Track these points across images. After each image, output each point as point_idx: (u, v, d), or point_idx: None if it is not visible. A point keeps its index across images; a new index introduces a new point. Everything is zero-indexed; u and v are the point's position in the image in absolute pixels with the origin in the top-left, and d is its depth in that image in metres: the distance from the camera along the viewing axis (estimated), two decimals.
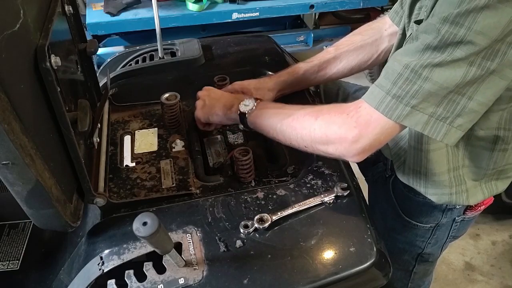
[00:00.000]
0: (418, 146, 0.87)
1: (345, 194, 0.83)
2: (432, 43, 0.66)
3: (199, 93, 1.00)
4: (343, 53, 1.08)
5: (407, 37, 0.88)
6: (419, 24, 0.77)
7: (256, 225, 0.77)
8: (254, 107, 0.88)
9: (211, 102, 0.96)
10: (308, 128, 0.78)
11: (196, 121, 1.01)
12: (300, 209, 0.80)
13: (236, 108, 0.90)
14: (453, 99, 0.67)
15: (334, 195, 0.82)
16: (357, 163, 1.22)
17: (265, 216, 0.78)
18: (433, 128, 0.69)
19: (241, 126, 0.98)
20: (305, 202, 0.81)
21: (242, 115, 0.89)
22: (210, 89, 1.01)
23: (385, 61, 1.05)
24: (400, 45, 0.95)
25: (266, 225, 0.77)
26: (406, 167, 0.94)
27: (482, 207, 0.98)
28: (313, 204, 0.81)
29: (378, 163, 1.10)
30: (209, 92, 0.99)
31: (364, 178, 1.21)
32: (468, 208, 0.98)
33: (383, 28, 1.06)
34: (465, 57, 0.63)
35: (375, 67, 2.62)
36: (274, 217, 0.78)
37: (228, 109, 0.93)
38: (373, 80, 2.68)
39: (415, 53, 0.68)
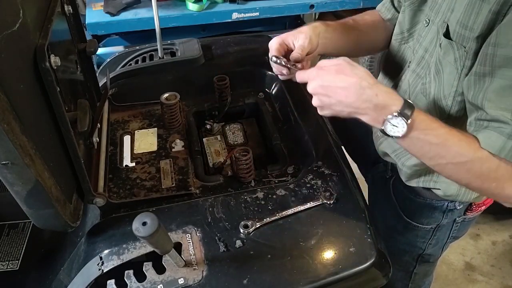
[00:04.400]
0: None
1: (331, 202, 0.82)
2: None
3: (310, 87, 0.75)
4: (361, 25, 1.01)
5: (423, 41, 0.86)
6: (448, 38, 0.75)
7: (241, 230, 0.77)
8: (405, 132, 0.69)
9: (336, 107, 0.74)
10: (480, 182, 0.70)
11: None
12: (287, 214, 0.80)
13: (377, 123, 0.72)
14: None
15: (320, 202, 0.82)
16: (357, 164, 1.24)
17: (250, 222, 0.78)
18: None
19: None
20: (292, 209, 0.81)
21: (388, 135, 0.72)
22: (325, 76, 0.73)
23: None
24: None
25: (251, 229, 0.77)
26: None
27: (483, 208, 0.98)
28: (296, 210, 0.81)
29: (378, 163, 1.10)
30: (325, 87, 0.73)
31: (364, 179, 1.21)
32: (469, 208, 0.97)
33: (380, 17, 1.05)
34: None
35: (376, 60, 2.64)
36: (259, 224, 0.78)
37: (359, 115, 0.73)
38: (371, 66, 2.66)
39: None
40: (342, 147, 1.02)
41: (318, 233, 0.77)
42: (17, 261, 0.88)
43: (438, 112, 0.83)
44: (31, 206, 0.65)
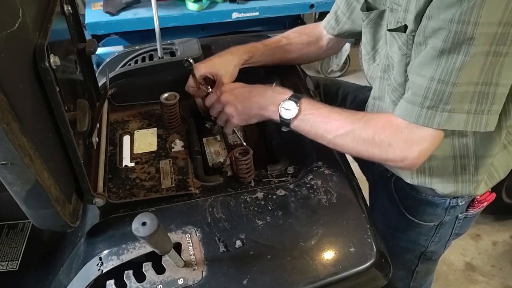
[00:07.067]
0: None
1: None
2: (445, 47, 0.68)
3: (223, 98, 0.93)
4: (293, 45, 1.17)
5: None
6: (396, 31, 0.80)
7: None
8: (297, 112, 0.85)
9: (244, 106, 0.91)
10: (365, 149, 0.80)
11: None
12: None
13: (276, 111, 0.87)
14: (483, 91, 0.69)
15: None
16: (358, 163, 1.24)
17: None
18: (474, 122, 0.71)
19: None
20: None
21: (284, 120, 0.86)
22: (233, 88, 0.95)
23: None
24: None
25: None
26: None
27: (485, 204, 0.98)
28: None
29: None
30: (235, 93, 0.93)
31: (364, 178, 1.21)
32: (471, 205, 0.98)
33: (322, 33, 1.16)
34: (481, 50, 0.65)
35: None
36: None
37: (264, 109, 0.89)
38: None
39: (432, 62, 0.70)
40: None
41: (318, 233, 0.77)
42: (16, 261, 0.88)
43: None
44: (31, 206, 0.65)
